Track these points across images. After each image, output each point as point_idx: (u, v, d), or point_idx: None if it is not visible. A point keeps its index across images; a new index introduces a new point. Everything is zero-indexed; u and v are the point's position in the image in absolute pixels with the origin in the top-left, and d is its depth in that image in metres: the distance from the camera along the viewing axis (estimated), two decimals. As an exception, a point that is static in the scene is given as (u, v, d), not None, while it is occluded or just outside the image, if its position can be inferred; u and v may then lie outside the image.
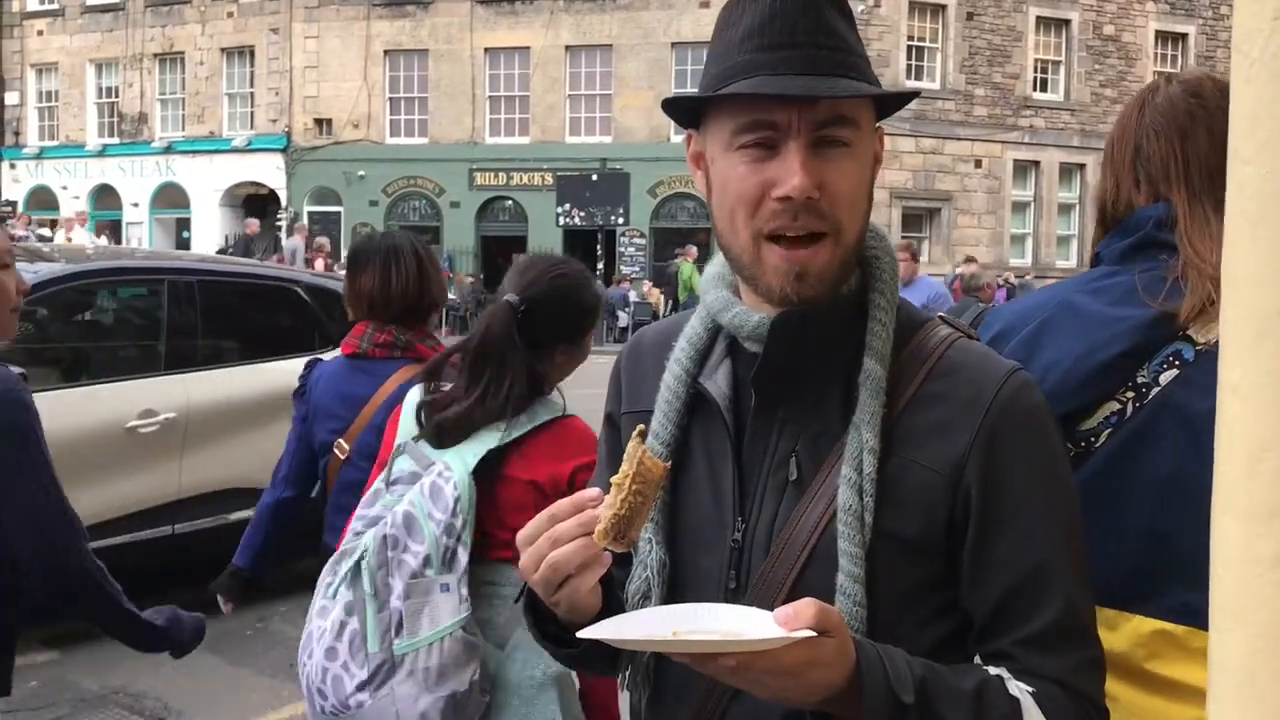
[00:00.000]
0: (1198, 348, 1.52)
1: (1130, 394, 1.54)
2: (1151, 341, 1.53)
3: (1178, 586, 1.49)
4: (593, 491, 1.11)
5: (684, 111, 1.26)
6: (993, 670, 1.13)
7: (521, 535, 1.12)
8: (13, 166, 30.79)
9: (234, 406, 5.82)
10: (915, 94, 1.31)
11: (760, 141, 1.14)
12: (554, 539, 1.09)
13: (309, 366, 3.11)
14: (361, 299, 2.90)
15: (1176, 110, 1.64)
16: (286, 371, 6.26)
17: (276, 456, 5.85)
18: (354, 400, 2.88)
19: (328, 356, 3.16)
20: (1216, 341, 1.48)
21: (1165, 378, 1.53)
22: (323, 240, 22.19)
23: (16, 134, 30.94)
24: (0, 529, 2.08)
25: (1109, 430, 1.55)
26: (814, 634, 0.98)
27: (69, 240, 18.63)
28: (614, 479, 1.08)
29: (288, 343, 6.43)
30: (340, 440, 2.89)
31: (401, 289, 2.86)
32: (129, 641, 2.36)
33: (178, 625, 2.37)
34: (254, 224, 23.52)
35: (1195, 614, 1.46)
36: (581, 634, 1.05)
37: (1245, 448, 0.68)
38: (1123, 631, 1.52)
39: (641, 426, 1.13)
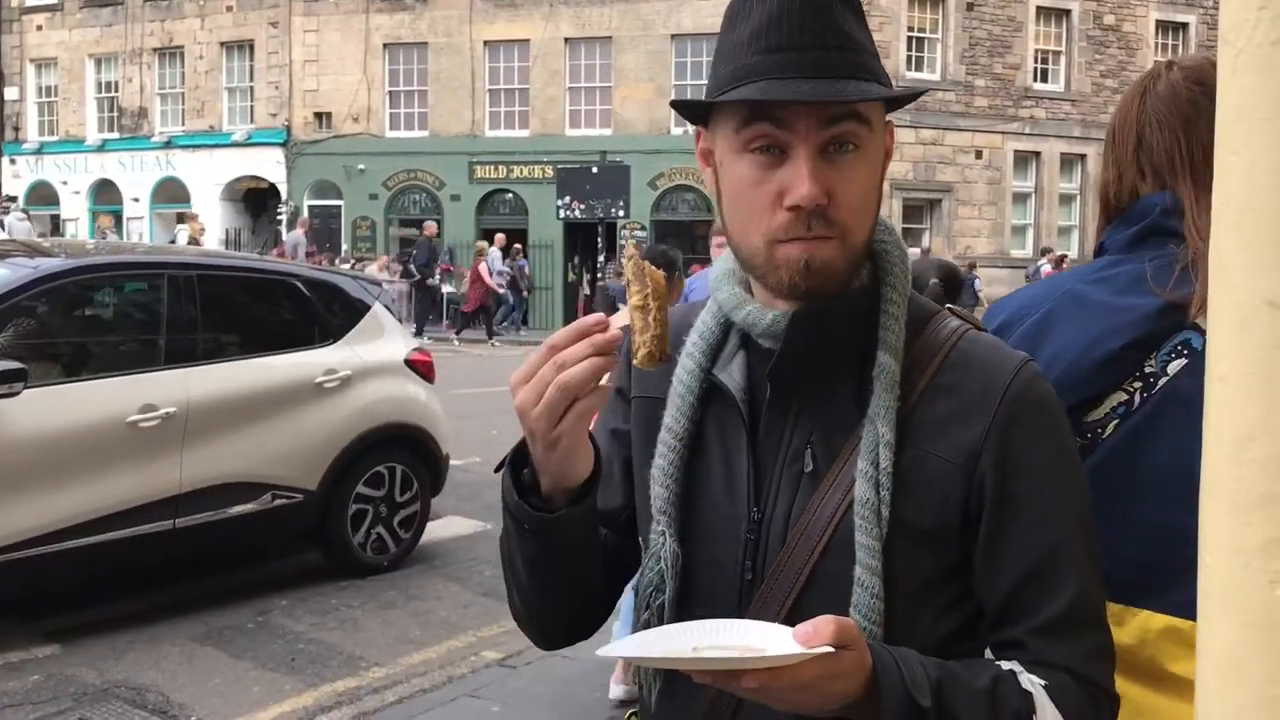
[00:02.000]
0: (1206, 337, 1.50)
1: (1138, 384, 1.51)
2: (1159, 331, 1.50)
3: (1187, 580, 1.45)
4: (595, 317, 1.10)
5: (692, 109, 1.25)
6: (1005, 665, 1.14)
7: (516, 375, 1.10)
8: (13, 162, 30.76)
9: (234, 401, 5.82)
10: (923, 91, 1.33)
11: (768, 146, 1.14)
12: (561, 363, 1.07)
13: None
14: None
15: (1179, 99, 1.60)
16: (286, 366, 6.29)
17: (277, 450, 5.96)
18: None
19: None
20: None
21: (1174, 367, 1.49)
22: (518, 247, 22.17)
23: (16, 129, 30.90)
24: None
25: (1115, 421, 1.52)
26: (833, 649, 0.98)
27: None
28: (634, 302, 1.07)
29: (288, 337, 6.44)
30: None
31: None
32: None
33: None
34: (431, 226, 23.75)
35: None
36: (601, 652, 1.04)
37: (1232, 436, 0.68)
38: (1129, 627, 1.48)
39: (635, 241, 1.12)
